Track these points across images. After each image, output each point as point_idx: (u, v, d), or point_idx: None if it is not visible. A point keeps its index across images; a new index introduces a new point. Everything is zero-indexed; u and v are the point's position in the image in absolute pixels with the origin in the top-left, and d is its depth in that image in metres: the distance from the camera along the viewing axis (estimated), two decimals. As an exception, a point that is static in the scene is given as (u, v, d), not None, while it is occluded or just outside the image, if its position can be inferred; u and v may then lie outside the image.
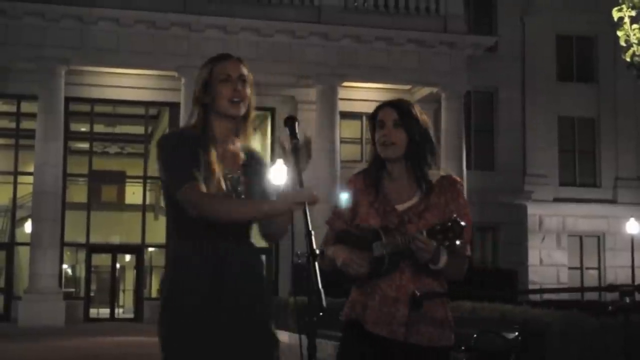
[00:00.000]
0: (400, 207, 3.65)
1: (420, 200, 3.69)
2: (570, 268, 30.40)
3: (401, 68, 26.09)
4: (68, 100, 24.68)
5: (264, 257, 3.59)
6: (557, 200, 30.35)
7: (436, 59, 26.26)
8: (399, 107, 3.75)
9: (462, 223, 3.45)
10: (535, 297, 22.73)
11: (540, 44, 30.47)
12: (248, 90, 3.58)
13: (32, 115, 24.58)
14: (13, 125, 26.59)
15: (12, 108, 26.45)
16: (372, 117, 3.79)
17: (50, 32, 23.79)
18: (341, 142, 26.09)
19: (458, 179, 3.82)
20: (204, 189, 3.36)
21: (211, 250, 3.41)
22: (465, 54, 26.62)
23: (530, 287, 28.16)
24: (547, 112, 30.47)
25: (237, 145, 3.60)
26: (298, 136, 3.46)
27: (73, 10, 23.76)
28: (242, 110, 3.56)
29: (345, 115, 26.73)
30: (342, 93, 25.84)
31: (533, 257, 29.82)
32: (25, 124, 25.87)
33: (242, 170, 3.55)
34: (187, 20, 24.43)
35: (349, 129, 27.74)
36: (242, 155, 3.59)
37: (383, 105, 3.79)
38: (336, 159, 24.81)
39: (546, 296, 22.21)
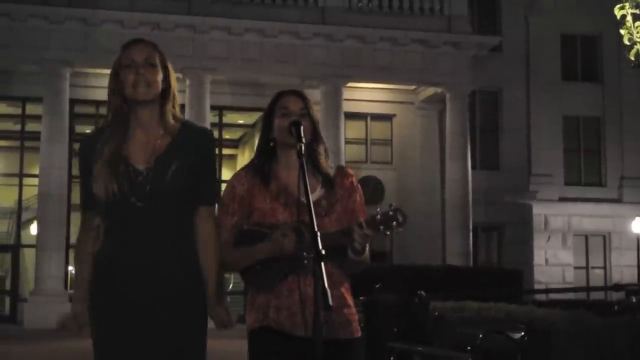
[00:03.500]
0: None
1: (326, 191, 3.67)
2: (575, 267, 30.36)
3: (405, 68, 26.08)
4: (73, 102, 24.71)
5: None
6: (562, 199, 30.30)
7: (441, 59, 26.24)
8: (303, 97, 3.73)
9: (405, 212, 3.49)
10: (541, 297, 22.71)
11: (544, 43, 30.44)
12: (158, 74, 3.52)
13: (37, 118, 24.62)
14: (18, 127, 26.63)
15: (17, 110, 26.49)
16: (272, 105, 3.73)
17: (55, 34, 23.82)
18: (346, 142, 26.10)
19: (352, 170, 3.83)
20: (92, 223, 3.51)
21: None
22: (469, 54, 26.61)
23: (536, 287, 28.13)
24: (552, 112, 30.43)
25: (162, 129, 3.52)
26: (303, 140, 3.48)
27: (77, 13, 23.79)
28: (150, 94, 3.48)
29: (350, 115, 26.74)
30: (346, 94, 25.85)
31: (538, 256, 29.78)
32: (30, 126, 25.91)
33: (159, 157, 3.46)
34: (191, 22, 24.45)
35: (354, 130, 27.73)
36: (167, 138, 3.50)
37: (285, 93, 3.75)
38: (341, 159, 24.80)
39: (552, 296, 22.18)
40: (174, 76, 3.63)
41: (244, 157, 29.63)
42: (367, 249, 3.59)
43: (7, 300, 26.22)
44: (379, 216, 3.48)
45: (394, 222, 3.47)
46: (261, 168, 3.70)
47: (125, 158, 3.43)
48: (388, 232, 3.48)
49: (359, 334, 3.68)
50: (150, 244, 3.40)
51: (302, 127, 3.54)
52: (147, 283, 3.39)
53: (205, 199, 3.56)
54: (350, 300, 3.69)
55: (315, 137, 3.70)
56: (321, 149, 3.73)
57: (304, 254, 3.46)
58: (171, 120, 3.54)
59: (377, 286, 12.77)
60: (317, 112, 3.80)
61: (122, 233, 3.41)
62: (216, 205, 3.64)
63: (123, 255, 3.40)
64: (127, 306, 3.38)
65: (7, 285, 26.47)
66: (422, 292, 11.12)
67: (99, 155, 3.43)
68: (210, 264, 3.54)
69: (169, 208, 3.44)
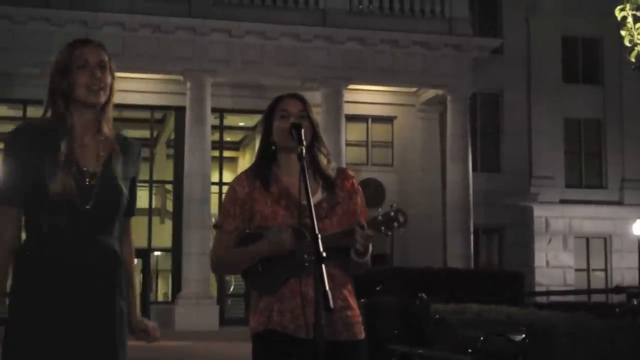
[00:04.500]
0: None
1: (327, 194, 3.67)
2: (576, 270, 30.35)
3: (406, 70, 26.08)
4: (74, 104, 24.71)
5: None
6: (563, 202, 30.30)
7: (441, 61, 26.25)
8: (302, 99, 3.74)
9: (406, 212, 3.49)
10: (542, 299, 22.68)
11: (545, 45, 30.45)
12: (109, 77, 3.46)
13: (38, 120, 24.62)
14: (19, 130, 26.63)
15: (18, 113, 26.50)
16: (272, 108, 3.73)
17: (56, 37, 23.77)
18: (346, 144, 26.10)
19: (353, 172, 3.83)
20: (9, 218, 3.34)
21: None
22: (470, 56, 26.61)
23: (537, 289, 28.11)
24: (553, 114, 30.43)
25: (102, 134, 3.44)
26: (304, 142, 3.48)
27: (78, 15, 23.81)
28: (102, 98, 3.42)
29: (351, 118, 26.74)
30: (347, 96, 25.85)
31: (539, 259, 29.78)
32: (31, 129, 25.89)
33: (104, 163, 3.39)
34: (192, 24, 24.46)
35: (355, 132, 27.74)
36: (108, 145, 3.43)
37: (284, 97, 3.75)
38: (342, 161, 24.81)
39: (553, 298, 22.18)
40: (115, 81, 3.54)
41: (245, 160, 29.65)
42: (370, 250, 3.58)
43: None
44: (380, 217, 3.48)
45: (395, 223, 3.47)
46: (262, 172, 3.70)
47: (75, 160, 3.35)
48: (389, 233, 3.49)
49: (363, 335, 3.68)
50: (87, 249, 3.33)
51: (302, 130, 3.55)
52: (78, 288, 3.30)
53: (131, 210, 3.53)
54: (353, 302, 3.68)
55: (315, 139, 3.71)
56: (322, 151, 3.73)
57: (305, 256, 3.46)
58: (109, 128, 3.48)
59: (378, 288, 12.77)
60: (317, 114, 3.80)
61: (59, 235, 3.31)
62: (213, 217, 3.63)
63: (58, 256, 3.30)
64: (53, 310, 3.28)
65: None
66: (423, 295, 11.12)
67: (51, 154, 3.31)
68: (132, 281, 3.55)
69: (111, 214, 3.39)
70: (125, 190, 3.42)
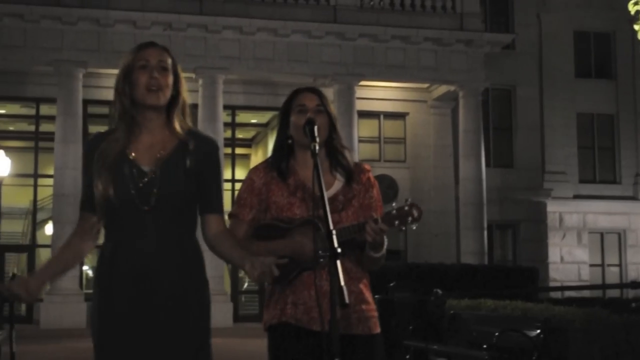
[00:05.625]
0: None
1: (343, 187, 3.68)
2: (591, 265, 30.26)
3: (418, 66, 26.04)
4: (86, 102, 24.77)
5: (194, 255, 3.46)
6: (577, 197, 30.21)
7: (453, 57, 26.19)
8: (319, 93, 3.74)
9: (420, 207, 3.47)
10: (557, 295, 22.64)
11: (557, 40, 30.34)
12: (170, 79, 3.47)
13: (51, 118, 24.70)
14: (32, 128, 26.73)
15: (31, 111, 26.60)
16: (289, 102, 3.73)
17: (68, 35, 23.90)
18: (359, 141, 26.08)
19: (369, 166, 3.85)
20: (87, 224, 3.51)
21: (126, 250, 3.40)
22: (482, 52, 26.54)
23: (551, 284, 28.06)
24: (566, 109, 30.33)
25: (169, 133, 3.48)
26: (317, 139, 3.47)
27: (90, 13, 23.86)
28: (162, 99, 3.45)
29: (363, 114, 26.72)
30: (359, 92, 25.83)
31: (554, 254, 29.69)
32: (45, 127, 26.01)
33: (165, 160, 3.42)
34: (203, 22, 24.48)
35: (367, 128, 27.72)
36: (173, 142, 3.46)
37: (301, 90, 3.75)
38: (354, 158, 24.67)
39: (567, 294, 22.13)
40: (184, 83, 3.58)
41: (257, 157, 29.65)
42: (385, 244, 3.57)
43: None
44: (394, 211, 3.47)
45: (410, 217, 3.46)
46: (279, 164, 3.70)
47: (131, 159, 3.41)
48: (403, 228, 3.47)
49: (378, 330, 3.67)
50: (153, 247, 3.37)
51: (315, 127, 3.53)
52: (150, 285, 3.36)
53: (213, 207, 3.52)
54: (369, 296, 3.68)
55: (333, 133, 3.72)
56: (340, 144, 3.76)
57: (319, 252, 3.45)
58: (178, 127, 3.50)
59: (392, 285, 12.76)
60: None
61: (126, 235, 3.39)
62: (225, 214, 3.60)
63: (126, 256, 3.38)
64: (130, 307, 3.35)
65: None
66: (438, 291, 11.10)
67: (100, 156, 3.41)
68: (234, 245, 3.49)
69: (174, 212, 3.41)
70: (187, 187, 3.42)
